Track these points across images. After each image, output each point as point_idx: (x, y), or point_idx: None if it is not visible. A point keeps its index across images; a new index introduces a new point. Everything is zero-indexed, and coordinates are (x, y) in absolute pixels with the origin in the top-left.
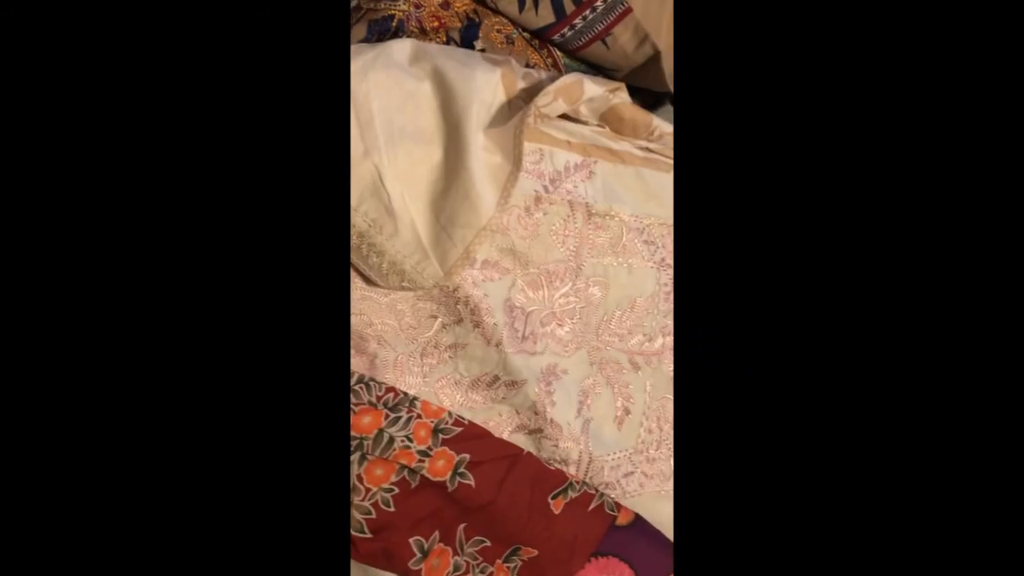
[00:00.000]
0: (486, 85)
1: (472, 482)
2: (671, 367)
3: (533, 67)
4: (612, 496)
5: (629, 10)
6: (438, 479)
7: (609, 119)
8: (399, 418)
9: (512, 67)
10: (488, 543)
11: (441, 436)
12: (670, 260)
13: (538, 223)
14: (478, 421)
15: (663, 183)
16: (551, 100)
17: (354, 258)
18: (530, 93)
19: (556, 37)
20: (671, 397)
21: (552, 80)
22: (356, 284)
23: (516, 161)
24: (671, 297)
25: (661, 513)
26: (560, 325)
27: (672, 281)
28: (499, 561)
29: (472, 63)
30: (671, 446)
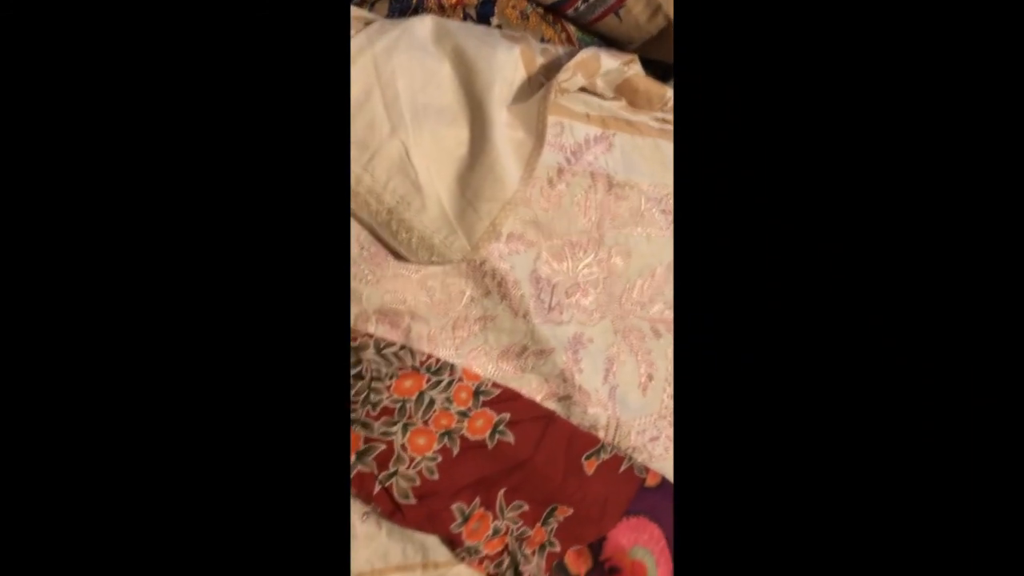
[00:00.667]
0: (507, 63)
1: (511, 439)
2: None
3: (548, 42)
4: (640, 459)
5: None
6: (477, 438)
7: (624, 91)
8: (440, 381)
9: (530, 44)
10: (527, 507)
11: (481, 398)
12: None
13: (560, 195)
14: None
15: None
16: (571, 75)
17: (384, 234)
18: (549, 69)
19: (570, 11)
20: None
21: (570, 56)
22: (388, 262)
23: (539, 136)
24: None
25: None
26: (584, 295)
27: None
28: (538, 524)
29: (492, 41)
30: None
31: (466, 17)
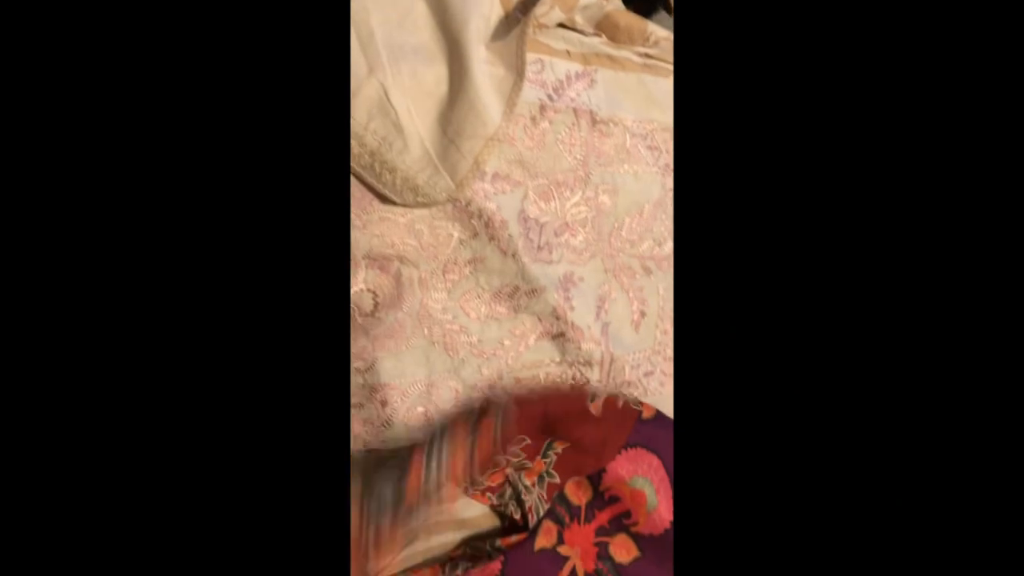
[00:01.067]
0: (487, 2)
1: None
2: None
3: None
4: (635, 394)
5: None
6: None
7: (605, 27)
8: None
9: None
10: (528, 440)
11: None
12: (670, 165)
13: (544, 133)
14: (505, 330)
15: (663, 88)
16: (548, 9)
17: (368, 177)
18: (526, 4)
19: None
20: None
21: None
22: (374, 205)
23: (519, 71)
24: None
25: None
26: (573, 235)
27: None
28: (537, 457)
29: None
30: None
31: None
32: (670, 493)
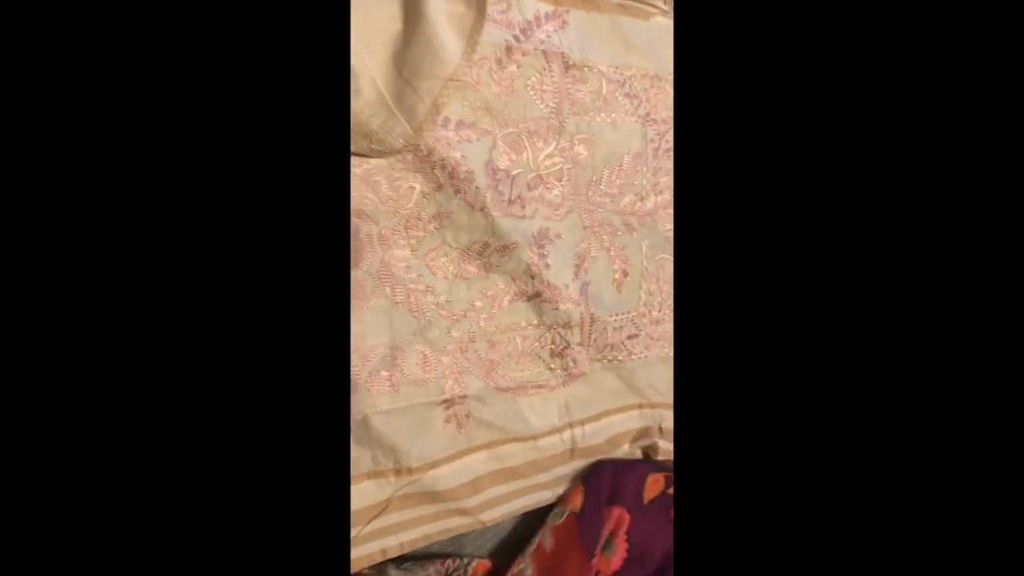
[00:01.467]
0: None
1: None
2: (666, 226)
3: None
4: (619, 357)
5: None
6: None
7: None
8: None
9: None
10: None
11: None
12: (656, 114)
13: (512, 77)
14: (476, 291)
15: (642, 32)
16: None
17: None
18: None
19: None
20: (669, 257)
21: None
22: None
23: (480, 7)
24: (660, 153)
25: (660, 377)
26: (548, 188)
27: (660, 136)
28: None
29: None
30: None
31: None
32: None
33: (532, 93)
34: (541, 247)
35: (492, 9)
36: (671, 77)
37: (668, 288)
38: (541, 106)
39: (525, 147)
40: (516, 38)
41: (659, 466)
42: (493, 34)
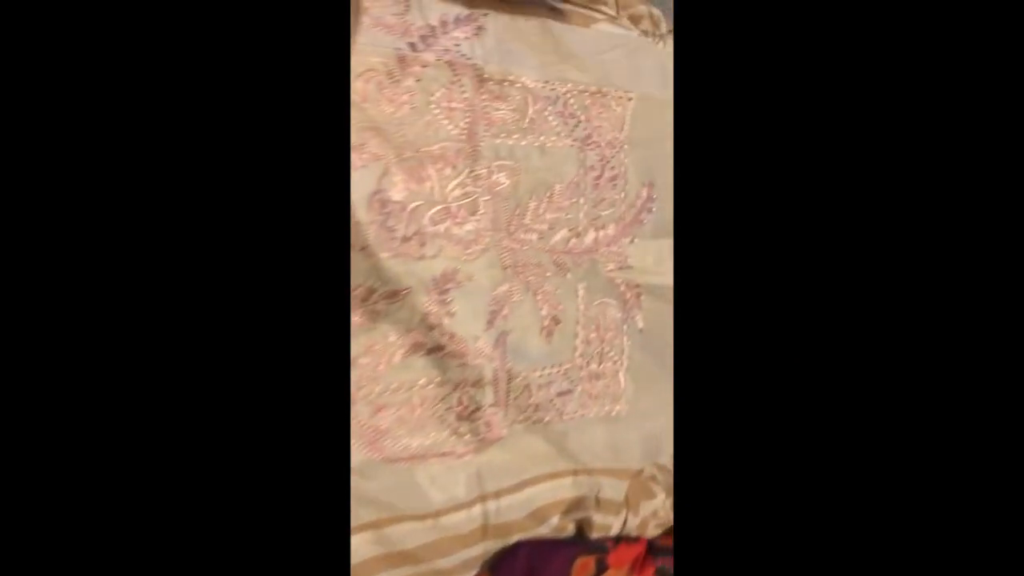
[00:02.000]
0: None
1: None
2: (609, 266)
3: None
4: (546, 418)
5: None
6: None
7: None
8: None
9: None
10: None
11: None
12: (599, 137)
13: (411, 93)
14: (361, 347)
15: (583, 41)
16: None
17: None
18: None
19: None
20: (613, 301)
21: None
22: None
23: (355, 6)
24: (603, 182)
25: (598, 439)
26: (458, 223)
27: (603, 163)
28: None
29: None
30: (619, 359)
31: None
32: None
33: (437, 111)
34: (443, 292)
35: (384, 11)
36: (621, 93)
37: (611, 337)
38: (449, 127)
39: (429, 175)
40: (412, 46)
41: (591, 546)
42: (379, 40)
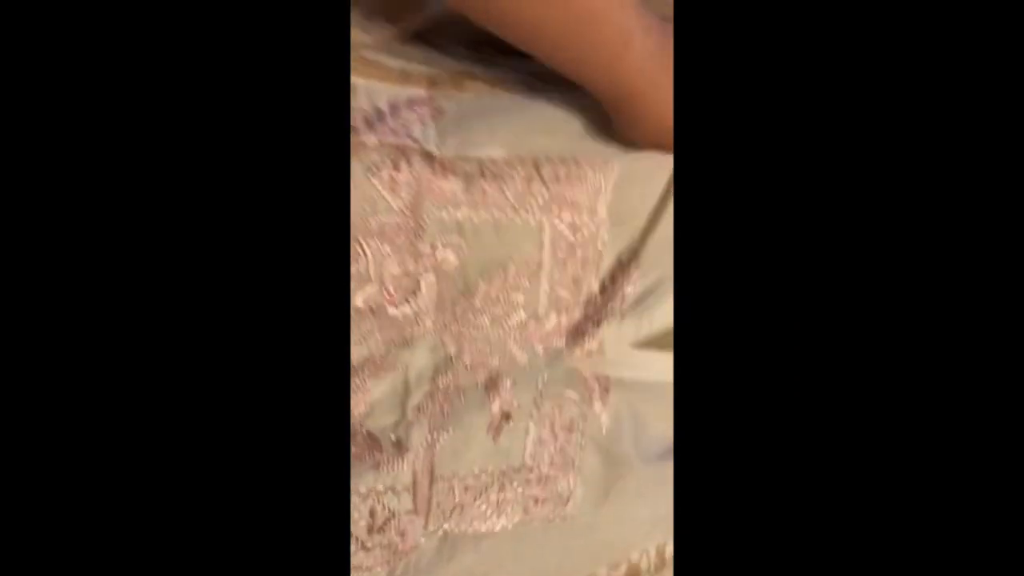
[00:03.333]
0: None
1: None
2: (576, 354)
3: None
4: (458, 529)
5: None
6: None
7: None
8: None
9: None
10: None
11: None
12: (569, 210)
13: (351, 171)
14: None
15: (555, 112)
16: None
17: None
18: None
19: None
20: (575, 395)
21: None
22: None
23: None
24: (574, 260)
25: (546, 551)
26: (395, 305)
27: (573, 233)
28: None
29: None
30: (577, 457)
31: None
32: None
33: (380, 186)
34: (362, 381)
35: None
36: (600, 160)
37: (567, 436)
38: (391, 200)
39: (361, 254)
40: (354, 130)
41: None
42: None
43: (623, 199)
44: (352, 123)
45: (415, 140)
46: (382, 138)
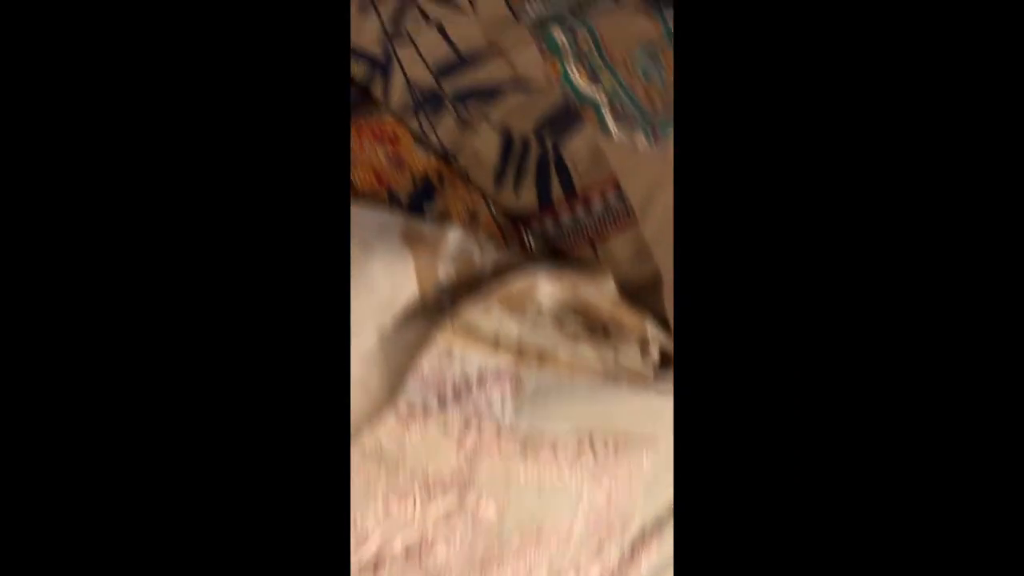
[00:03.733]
0: (382, 278)
1: None
2: None
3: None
4: None
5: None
6: None
7: (582, 312)
8: None
9: (437, 251)
10: None
11: None
12: (610, 478)
13: (425, 428)
14: None
15: (626, 402)
16: (483, 313)
17: None
18: (457, 288)
19: (535, 227)
20: None
21: (499, 271)
22: None
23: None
24: (600, 530)
25: None
26: (430, 550)
27: (607, 504)
28: None
29: (374, 244)
30: None
31: (393, 201)
32: None
33: (448, 442)
34: None
35: (424, 363)
36: (645, 438)
37: None
38: (454, 455)
39: (413, 497)
40: (440, 402)
41: None
42: (413, 390)
43: (663, 471)
44: (442, 391)
45: (493, 417)
46: (465, 412)
